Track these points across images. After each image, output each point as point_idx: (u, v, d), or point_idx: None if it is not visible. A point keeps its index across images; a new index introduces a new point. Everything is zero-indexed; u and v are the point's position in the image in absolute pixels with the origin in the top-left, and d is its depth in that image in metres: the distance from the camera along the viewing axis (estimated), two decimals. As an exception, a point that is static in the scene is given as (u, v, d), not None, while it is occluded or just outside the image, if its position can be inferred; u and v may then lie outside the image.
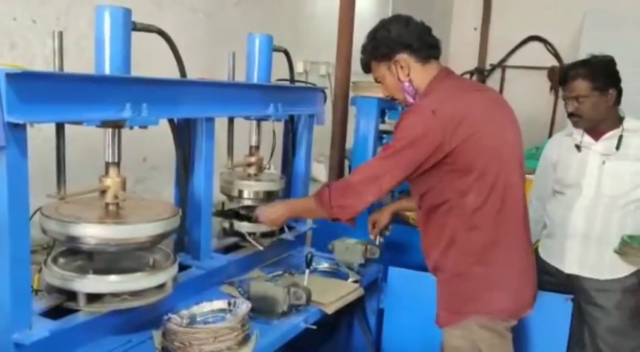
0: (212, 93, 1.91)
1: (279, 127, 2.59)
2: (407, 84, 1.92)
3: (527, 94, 6.85)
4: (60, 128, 1.54)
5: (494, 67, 7.87)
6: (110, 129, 1.64)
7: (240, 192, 2.28)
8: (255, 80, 2.22)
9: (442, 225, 1.90)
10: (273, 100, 2.17)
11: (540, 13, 6.65)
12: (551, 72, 6.64)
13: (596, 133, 2.44)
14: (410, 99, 1.96)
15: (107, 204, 1.68)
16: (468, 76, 7.52)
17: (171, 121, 1.89)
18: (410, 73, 1.91)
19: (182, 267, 1.91)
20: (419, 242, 2.51)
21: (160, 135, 1.93)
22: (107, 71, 1.59)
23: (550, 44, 6.86)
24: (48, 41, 2.47)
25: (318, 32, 4.25)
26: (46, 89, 1.36)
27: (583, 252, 2.43)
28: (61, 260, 1.68)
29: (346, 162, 4.01)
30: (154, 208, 1.78)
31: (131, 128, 1.58)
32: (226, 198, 2.34)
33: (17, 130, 1.32)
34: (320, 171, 4.35)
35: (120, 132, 1.66)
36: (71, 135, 1.61)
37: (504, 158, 1.86)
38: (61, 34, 1.49)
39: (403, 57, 1.90)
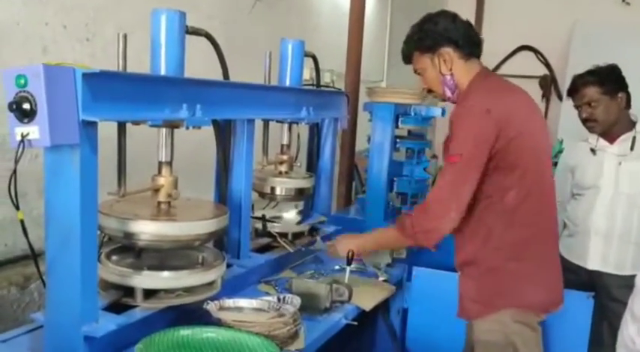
0: (254, 95, 1.97)
1: (303, 131, 2.66)
2: (448, 77, 1.96)
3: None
4: (122, 127, 1.58)
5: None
6: (164, 130, 1.68)
7: (273, 188, 2.34)
8: (287, 84, 2.28)
9: (479, 220, 1.92)
10: (305, 104, 2.23)
11: (530, 23, 6.79)
12: (542, 80, 6.79)
13: (610, 137, 2.58)
14: (448, 93, 2.00)
15: (159, 203, 1.72)
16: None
17: (215, 122, 1.94)
18: (452, 68, 1.94)
19: (224, 266, 1.95)
20: (442, 241, 2.59)
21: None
22: (163, 73, 1.64)
23: (540, 53, 7.00)
24: (77, 46, 2.53)
25: (323, 41, 4.34)
26: (115, 88, 1.41)
27: (605, 249, 2.53)
28: (114, 257, 1.71)
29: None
30: (202, 207, 1.82)
31: (187, 128, 1.63)
32: (257, 196, 2.39)
33: (90, 128, 1.36)
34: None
35: (173, 133, 1.70)
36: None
37: (541, 158, 1.93)
38: (125, 36, 1.53)
39: (447, 51, 1.93)
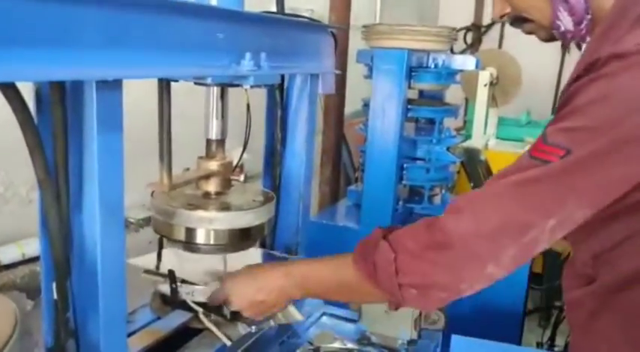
0: (118, 21, 0.81)
1: (256, 97, 1.50)
2: None
3: (530, 53, 5.95)
4: None
5: (493, 23, 7.04)
6: None
7: (190, 232, 1.18)
8: (214, 1, 1.12)
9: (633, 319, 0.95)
10: (251, 46, 1.08)
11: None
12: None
13: None
14: (569, 26, 1.03)
15: None
16: (462, 33, 6.66)
17: (9, 91, 0.78)
18: None
19: None
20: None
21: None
22: None
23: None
24: None
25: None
26: None
27: None
28: None
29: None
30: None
31: None
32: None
33: None
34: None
35: None
36: None
37: None
38: None
39: None
